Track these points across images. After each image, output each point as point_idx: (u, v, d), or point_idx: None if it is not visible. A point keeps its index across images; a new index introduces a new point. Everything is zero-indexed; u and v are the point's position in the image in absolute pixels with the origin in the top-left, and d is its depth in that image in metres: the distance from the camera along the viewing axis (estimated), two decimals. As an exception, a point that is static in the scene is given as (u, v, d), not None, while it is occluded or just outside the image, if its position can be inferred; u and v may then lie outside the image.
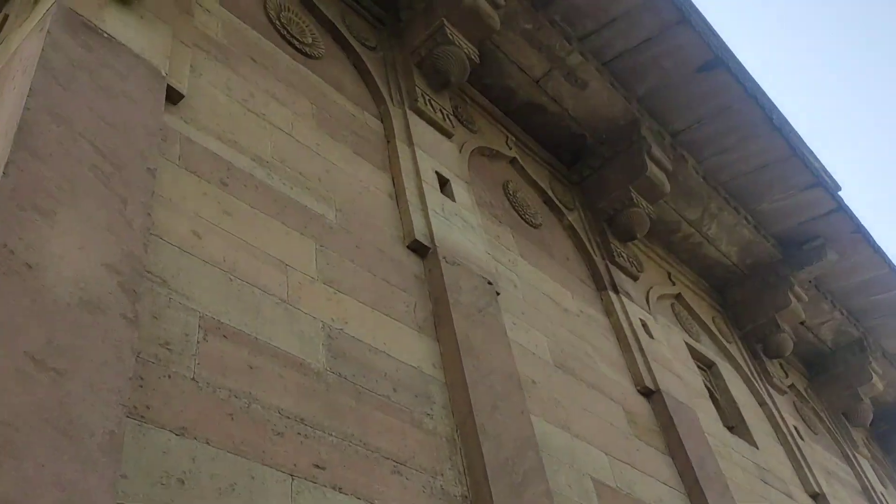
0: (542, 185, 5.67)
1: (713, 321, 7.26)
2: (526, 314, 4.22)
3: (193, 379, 2.16)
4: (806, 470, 6.43)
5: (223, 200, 2.73)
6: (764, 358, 7.40)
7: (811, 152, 10.51)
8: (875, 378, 8.67)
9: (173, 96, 2.80)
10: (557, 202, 5.73)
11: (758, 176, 6.82)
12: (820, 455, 7.46)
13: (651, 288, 6.28)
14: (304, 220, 3.05)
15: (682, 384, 5.25)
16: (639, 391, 4.82)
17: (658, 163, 6.00)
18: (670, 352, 5.73)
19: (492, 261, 4.11)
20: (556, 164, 6.17)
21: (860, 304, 8.46)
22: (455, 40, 4.63)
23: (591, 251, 5.64)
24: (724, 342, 7.12)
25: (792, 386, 8.25)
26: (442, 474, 2.77)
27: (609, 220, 5.96)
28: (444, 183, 4.16)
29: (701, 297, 7.44)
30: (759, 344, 7.50)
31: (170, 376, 2.11)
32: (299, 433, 2.34)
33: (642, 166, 5.92)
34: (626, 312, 5.27)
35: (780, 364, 8.38)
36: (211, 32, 3.34)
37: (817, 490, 6.32)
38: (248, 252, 2.67)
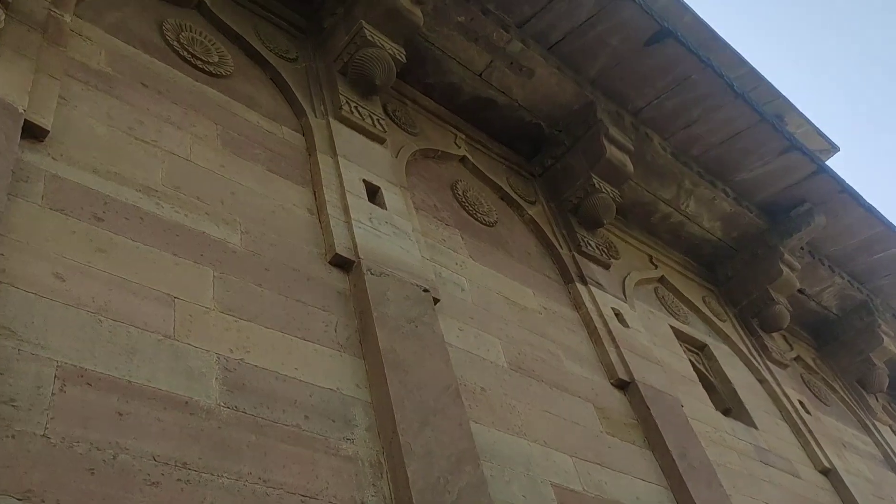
0: (498, 180, 5.46)
1: (704, 301, 7.00)
2: (476, 318, 4.01)
3: (44, 435, 1.98)
4: (814, 445, 6.14)
5: (96, 237, 2.56)
6: (761, 333, 7.12)
7: (800, 113, 10.25)
8: (886, 340, 8.35)
9: (36, 132, 2.64)
10: (516, 197, 5.52)
11: (729, 146, 6.56)
12: (832, 427, 7.15)
13: (629, 274, 6.05)
14: (200, 248, 2.87)
15: (663, 372, 5.00)
16: (612, 384, 4.58)
17: (618, 144, 5.78)
18: (650, 339, 5.49)
19: (430, 266, 3.91)
20: (515, 158, 5.97)
21: (860, 265, 8.15)
22: (377, 41, 4.45)
23: (557, 244, 5.42)
24: (717, 321, 6.86)
25: (798, 358, 7.96)
26: (363, 502, 2.57)
27: (574, 210, 5.73)
28: (373, 191, 3.97)
29: (688, 277, 7.18)
30: (755, 319, 7.23)
31: (13, 436, 1.93)
32: (180, 479, 2.15)
33: (601, 150, 5.70)
34: (596, 303, 5.04)
35: (784, 337, 8.11)
36: (92, 62, 3.18)
37: (827, 465, 6.03)
38: (124, 290, 2.49)
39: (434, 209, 4.58)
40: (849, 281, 8.30)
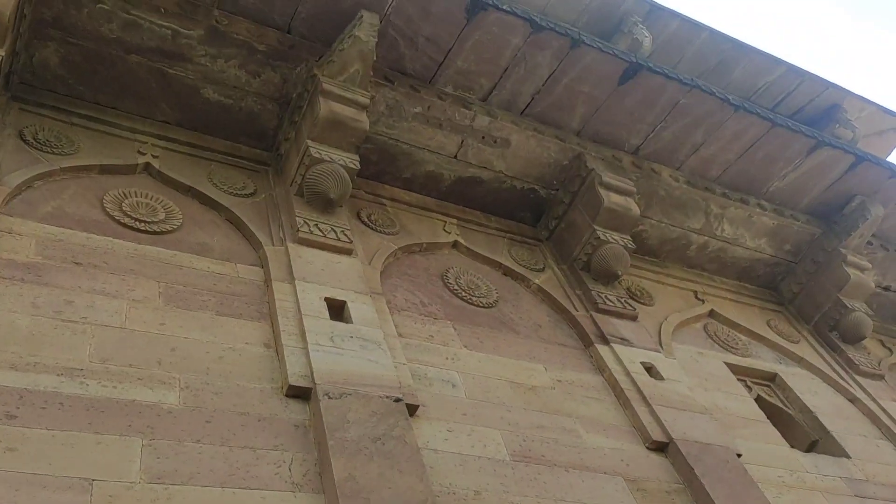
0: (497, 257, 5.29)
1: (769, 325, 6.46)
2: (470, 413, 3.79)
3: None
4: (927, 462, 5.42)
5: (6, 437, 2.56)
6: (843, 346, 6.46)
7: (859, 97, 9.59)
8: None
9: (-52, 344, 2.71)
10: (521, 268, 5.32)
11: (749, 159, 6.16)
12: (954, 433, 6.33)
13: (666, 319, 5.65)
14: (128, 419, 2.84)
15: (713, 420, 4.56)
16: (649, 448, 4.20)
17: (617, 189, 5.51)
18: (700, 383, 5.07)
19: (409, 371, 3.74)
20: (518, 228, 5.79)
21: (944, 245, 7.36)
22: (324, 156, 4.46)
23: (572, 307, 5.15)
24: (788, 344, 6.29)
25: (903, 361, 7.18)
26: None
27: (585, 267, 5.45)
28: (338, 307, 3.89)
29: (746, 303, 6.66)
30: (834, 332, 6.58)
31: None
32: None
33: (599, 200, 5.45)
34: (621, 362, 4.70)
35: (881, 342, 7.36)
36: (20, 255, 3.30)
37: (948, 481, 5.29)
38: (34, 485, 2.46)
39: (420, 306, 4.44)
40: (938, 265, 7.51)
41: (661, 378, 4.75)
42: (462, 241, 5.25)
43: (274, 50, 4.66)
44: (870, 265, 6.74)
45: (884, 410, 5.86)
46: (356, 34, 4.53)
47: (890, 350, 7.28)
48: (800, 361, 6.16)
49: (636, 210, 5.54)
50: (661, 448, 4.22)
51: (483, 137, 5.37)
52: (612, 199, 5.45)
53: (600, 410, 4.34)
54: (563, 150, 5.61)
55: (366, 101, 4.65)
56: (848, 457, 5.15)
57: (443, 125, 5.23)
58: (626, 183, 5.58)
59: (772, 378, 5.83)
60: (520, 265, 5.34)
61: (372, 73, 4.82)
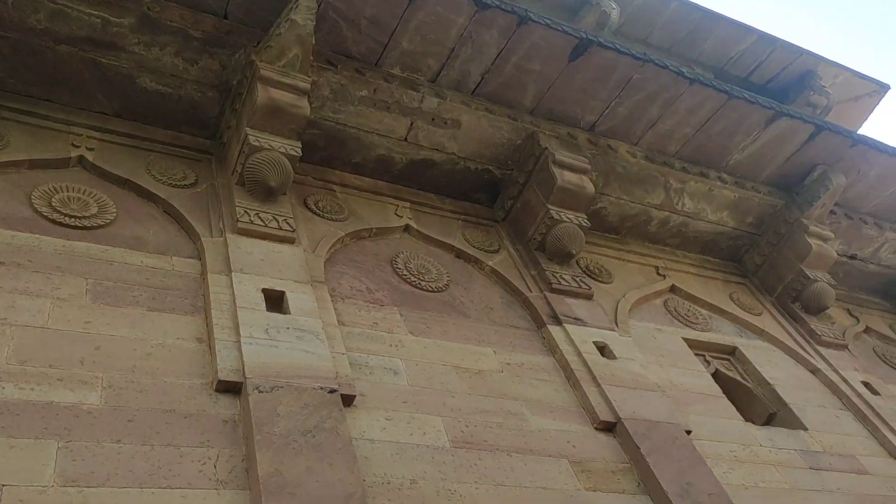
0: (450, 240, 5.24)
1: (731, 298, 6.45)
2: (411, 401, 3.76)
3: None
4: (885, 430, 5.44)
5: (-87, 443, 2.52)
6: (805, 317, 6.46)
7: (833, 63, 9.50)
8: (968, 288, 7.45)
9: None
10: (475, 250, 5.27)
11: (706, 133, 6.11)
12: (917, 400, 6.35)
13: (624, 296, 5.63)
14: (44, 421, 2.79)
15: (665, 398, 4.55)
16: (596, 429, 4.19)
17: (571, 167, 5.46)
18: (656, 360, 5.06)
19: (347, 360, 3.70)
20: (474, 209, 5.74)
21: (913, 211, 7.35)
22: (264, 144, 4.39)
23: (527, 287, 5.11)
24: (750, 317, 6.29)
25: (868, 330, 7.19)
26: None
27: (540, 247, 5.41)
28: (277, 297, 3.84)
29: (710, 277, 6.65)
30: (797, 303, 6.58)
31: None
32: None
33: (552, 178, 5.39)
34: (572, 343, 4.67)
35: (848, 311, 7.37)
36: (-62, 258, 3.23)
37: (905, 449, 5.32)
38: (-60, 492, 2.43)
39: (366, 293, 4.40)
40: (906, 231, 7.50)
41: (613, 357, 4.73)
42: (414, 224, 5.20)
43: (210, 36, 4.56)
44: (832, 235, 6.72)
45: (844, 380, 5.87)
46: (293, 18, 4.44)
47: (856, 319, 7.30)
48: (761, 334, 6.16)
49: (591, 188, 5.49)
50: (609, 428, 4.21)
51: (433, 119, 5.30)
52: (565, 177, 5.39)
53: (549, 392, 4.33)
54: (515, 129, 5.54)
55: (306, 86, 4.56)
56: (805, 429, 5.16)
57: (391, 108, 5.15)
58: (581, 161, 5.53)
59: (731, 352, 5.83)
60: (473, 247, 5.30)
61: (314, 58, 4.74)
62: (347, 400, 3.49)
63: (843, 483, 4.75)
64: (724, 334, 5.93)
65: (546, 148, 5.46)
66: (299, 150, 4.50)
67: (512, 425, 3.93)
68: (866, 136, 6.59)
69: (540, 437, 3.93)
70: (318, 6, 4.57)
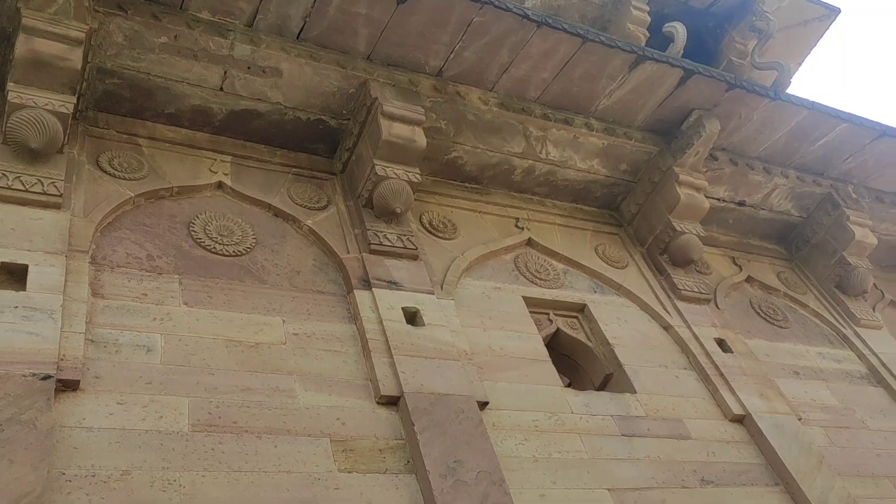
0: (268, 197, 4.98)
1: (596, 250, 6.24)
2: (157, 382, 3.59)
3: None
4: (726, 392, 5.32)
5: None
6: (671, 270, 6.27)
7: None
8: (859, 233, 7.22)
9: None
10: (296, 208, 5.02)
11: (566, 78, 5.77)
12: (782, 355, 6.24)
13: (463, 253, 5.42)
14: None
15: (464, 368, 4.39)
16: (379, 403, 4.06)
17: (400, 118, 5.15)
18: (474, 326, 4.89)
19: (81, 342, 3.51)
20: (309, 162, 5.45)
21: (807, 157, 7.06)
22: (28, 101, 4.07)
23: (345, 249, 4.89)
24: (613, 270, 6.10)
25: (750, 279, 7.02)
26: None
27: (369, 204, 5.16)
28: (20, 272, 3.63)
29: (580, 227, 6.43)
30: (664, 255, 6.38)
31: None
32: None
33: (380, 131, 5.10)
34: (377, 310, 4.49)
35: (733, 259, 7.19)
36: None
37: (742, 412, 5.21)
38: None
39: (144, 260, 4.18)
40: (798, 177, 7.24)
41: (421, 324, 4.55)
42: (228, 181, 4.93)
43: (-25, -19, 4.20)
44: (706, 184, 6.46)
45: (696, 337, 5.72)
46: (60, -40, 4.07)
47: (740, 268, 7.12)
48: (619, 289, 5.98)
49: (422, 141, 5.19)
50: (393, 402, 4.08)
51: (249, 68, 4.96)
52: (394, 130, 5.09)
53: (336, 365, 4.17)
54: (346, 77, 5.20)
55: (80, 34, 4.21)
56: (634, 392, 5.05)
57: (198, 56, 4.81)
58: (415, 111, 5.21)
59: (580, 309, 5.66)
60: (296, 204, 5.05)
61: (99, 2, 4.38)
62: (71, 385, 3.34)
63: (656, 450, 4.65)
64: (575, 291, 5.75)
65: (376, 98, 5.14)
66: (70, 107, 4.19)
67: (275, 403, 3.78)
68: (743, 81, 6.25)
69: (305, 416, 3.80)
70: (93, -54, 4.19)
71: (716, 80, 6.08)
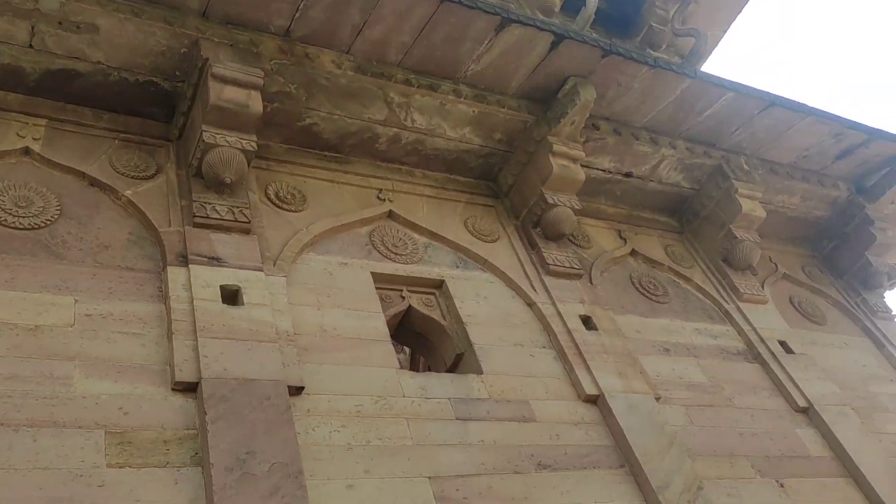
0: (83, 166, 4.59)
1: (465, 224, 5.97)
2: None
3: None
4: (582, 371, 5.13)
5: None
6: (543, 244, 6.03)
7: None
8: (746, 205, 7.07)
9: None
10: (116, 176, 4.65)
11: (427, 41, 5.43)
12: (654, 331, 6.07)
13: (307, 227, 5.10)
14: None
15: (279, 351, 4.09)
16: (175, 390, 3.76)
17: (232, 81, 4.78)
18: (308, 305, 4.61)
19: None
20: (141, 126, 5.06)
21: (695, 128, 6.85)
22: None
23: (167, 221, 4.55)
24: (480, 244, 5.84)
25: (634, 253, 6.84)
26: None
27: (198, 173, 4.80)
28: None
29: (450, 199, 6.15)
30: (537, 228, 6.14)
31: None
32: None
33: (208, 95, 4.73)
34: (189, 288, 4.17)
35: (619, 232, 7.00)
36: None
37: (596, 392, 5.03)
38: None
39: (-84, 235, 3.80)
40: (688, 148, 7.03)
41: (241, 303, 4.25)
42: (37, 148, 4.53)
43: None
44: (584, 154, 6.21)
45: (559, 315, 5.51)
46: None
47: (624, 241, 6.93)
48: (484, 263, 5.73)
49: (258, 106, 4.83)
50: (191, 389, 3.78)
51: (60, 23, 4.53)
52: (225, 94, 4.72)
53: (132, 349, 3.85)
54: (175, 35, 4.80)
55: None
56: (480, 372, 4.82)
57: (1, 9, 4.38)
58: (251, 73, 4.84)
59: (438, 285, 5.40)
60: (117, 173, 4.67)
61: None
62: None
63: (493, 434, 4.44)
64: (434, 266, 5.48)
65: (207, 59, 4.77)
66: None
67: (44, 393, 3.46)
68: (619, 48, 5.98)
69: (79, 406, 3.48)
70: None
71: (589, 45, 5.80)
